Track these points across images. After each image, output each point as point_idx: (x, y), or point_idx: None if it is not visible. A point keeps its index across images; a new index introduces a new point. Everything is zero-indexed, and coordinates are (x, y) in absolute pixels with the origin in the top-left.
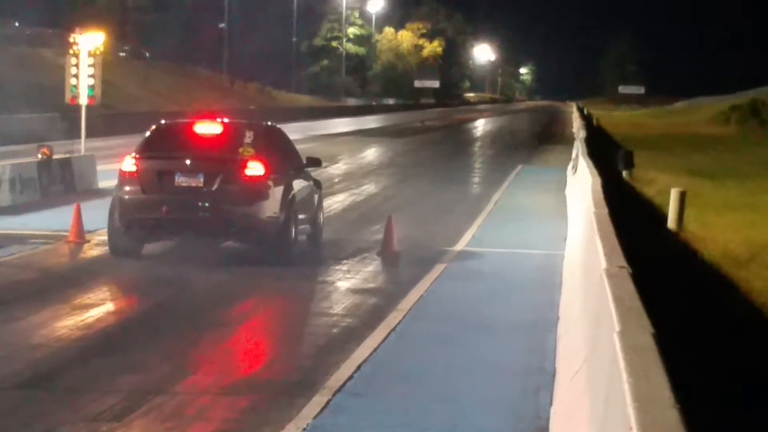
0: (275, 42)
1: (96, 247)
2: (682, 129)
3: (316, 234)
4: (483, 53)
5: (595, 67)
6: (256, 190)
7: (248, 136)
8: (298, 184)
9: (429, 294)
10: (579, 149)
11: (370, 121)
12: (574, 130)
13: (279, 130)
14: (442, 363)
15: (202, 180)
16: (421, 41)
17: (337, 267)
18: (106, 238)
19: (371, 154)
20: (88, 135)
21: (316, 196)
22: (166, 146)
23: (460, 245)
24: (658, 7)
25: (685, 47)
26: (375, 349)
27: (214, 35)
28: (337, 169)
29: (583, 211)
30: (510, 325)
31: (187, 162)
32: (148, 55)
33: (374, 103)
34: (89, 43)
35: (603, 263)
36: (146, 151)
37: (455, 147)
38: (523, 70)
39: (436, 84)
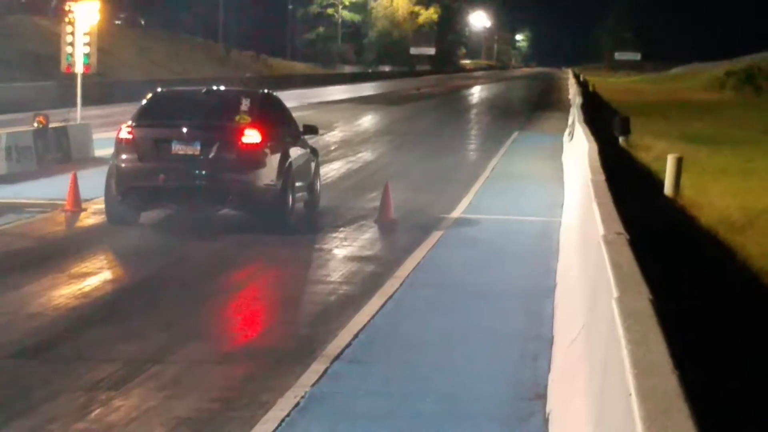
0: (271, 9)
1: (93, 215)
2: (678, 95)
3: (313, 201)
4: (479, 20)
5: (592, 33)
6: (253, 157)
7: (244, 104)
8: (295, 152)
9: (426, 261)
10: (575, 116)
11: (366, 89)
12: (570, 96)
13: (275, 97)
14: (439, 330)
15: (198, 148)
16: (416, 8)
17: (334, 234)
18: (103, 206)
19: (367, 121)
20: (84, 103)
21: (312, 164)
22: (162, 114)
23: (457, 212)
24: None
25: (681, 13)
26: (372, 317)
27: (209, 3)
28: (333, 136)
29: (580, 178)
30: (507, 292)
31: (184, 130)
32: (143, 23)
33: (370, 71)
34: (85, 11)
35: (600, 230)
36: (143, 119)
37: (451, 114)
38: (519, 37)
39: (431, 51)
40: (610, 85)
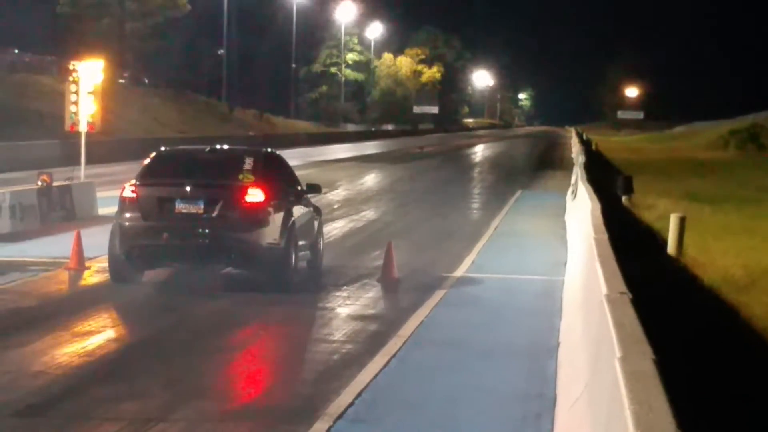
0: (274, 68)
1: (96, 274)
2: (681, 154)
3: (316, 260)
4: (481, 79)
5: (594, 92)
6: (256, 216)
7: (248, 163)
8: (298, 210)
9: (429, 320)
10: (578, 174)
11: (369, 147)
12: (573, 155)
13: (278, 156)
14: (442, 389)
15: (202, 206)
16: (419, 67)
17: (337, 293)
18: (106, 265)
19: (370, 180)
20: (88, 162)
21: (316, 222)
22: (166, 173)
23: (460, 271)
24: (656, 33)
25: (684, 73)
26: (375, 376)
27: (213, 62)
28: (337, 195)
29: (583, 237)
30: (510, 351)
31: (188, 188)
32: (147, 81)
33: (373, 129)
34: (88, 70)
35: (603, 289)
36: (146, 177)
37: (454, 173)
38: (521, 96)
39: (435, 110)
40: (613, 143)
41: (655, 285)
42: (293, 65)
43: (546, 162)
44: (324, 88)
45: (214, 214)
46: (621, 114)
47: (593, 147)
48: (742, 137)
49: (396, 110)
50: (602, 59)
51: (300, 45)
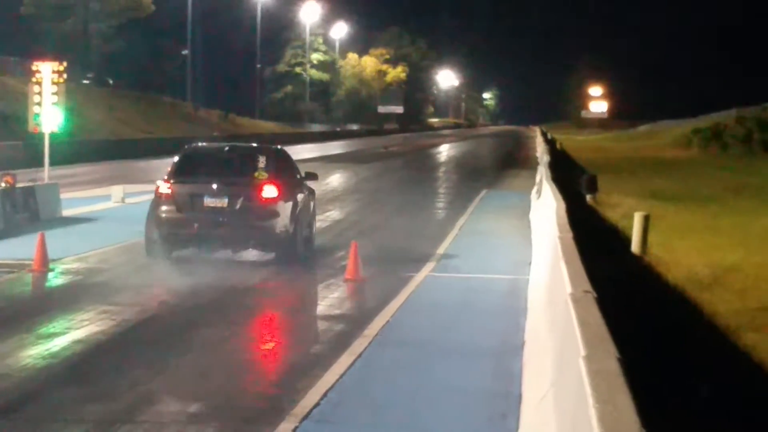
0: (239, 68)
1: (61, 275)
2: (644, 152)
3: (310, 237)
4: (446, 78)
5: (558, 92)
6: (271, 209)
7: (261, 161)
8: (301, 198)
9: (395, 320)
10: (543, 174)
11: (335, 147)
12: (538, 154)
13: (284, 151)
14: (408, 389)
15: (226, 201)
16: (384, 67)
17: (303, 294)
18: (70, 266)
19: (335, 180)
20: (52, 163)
21: (311, 204)
22: (193, 171)
23: (426, 271)
24: (619, 33)
25: (648, 72)
26: (341, 376)
27: (177, 62)
28: None
29: (548, 236)
30: (476, 350)
31: (214, 186)
32: (111, 82)
33: (338, 129)
34: (52, 71)
35: (568, 288)
36: (178, 176)
37: (419, 172)
38: (486, 95)
39: (399, 109)
40: (578, 143)
41: (619, 283)
42: (258, 65)
43: (511, 161)
44: (289, 88)
45: (237, 207)
46: (585, 113)
47: (558, 146)
48: (705, 136)
49: (361, 110)
50: (566, 59)
51: (265, 45)
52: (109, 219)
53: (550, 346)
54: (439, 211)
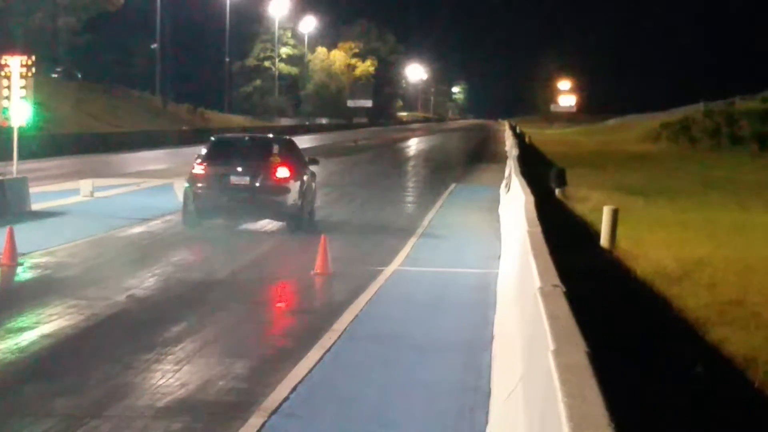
0: (208, 62)
1: (29, 270)
2: (613, 146)
3: (312, 210)
4: (415, 72)
5: (527, 85)
6: (284, 186)
7: (275, 149)
8: (306, 179)
9: (364, 314)
10: (512, 168)
11: (304, 141)
12: (507, 148)
13: (292, 141)
14: (377, 383)
15: (248, 180)
16: (353, 61)
17: (271, 287)
18: (39, 260)
19: None
20: (21, 157)
21: (313, 184)
22: (221, 155)
23: (395, 265)
24: (586, 26)
25: (616, 66)
26: (310, 370)
27: (146, 56)
28: None
29: (517, 230)
30: (445, 345)
31: (238, 168)
32: (80, 76)
33: (307, 123)
34: (20, 65)
35: (537, 282)
36: (209, 159)
37: (388, 166)
38: (455, 89)
39: (369, 103)
40: (547, 136)
41: (588, 277)
42: (227, 59)
43: (479, 155)
44: (258, 82)
45: (257, 184)
46: (554, 107)
47: (527, 140)
48: (674, 130)
49: (330, 104)
50: (535, 53)
51: (234, 39)
52: (78, 213)
53: (519, 340)
54: (409, 205)
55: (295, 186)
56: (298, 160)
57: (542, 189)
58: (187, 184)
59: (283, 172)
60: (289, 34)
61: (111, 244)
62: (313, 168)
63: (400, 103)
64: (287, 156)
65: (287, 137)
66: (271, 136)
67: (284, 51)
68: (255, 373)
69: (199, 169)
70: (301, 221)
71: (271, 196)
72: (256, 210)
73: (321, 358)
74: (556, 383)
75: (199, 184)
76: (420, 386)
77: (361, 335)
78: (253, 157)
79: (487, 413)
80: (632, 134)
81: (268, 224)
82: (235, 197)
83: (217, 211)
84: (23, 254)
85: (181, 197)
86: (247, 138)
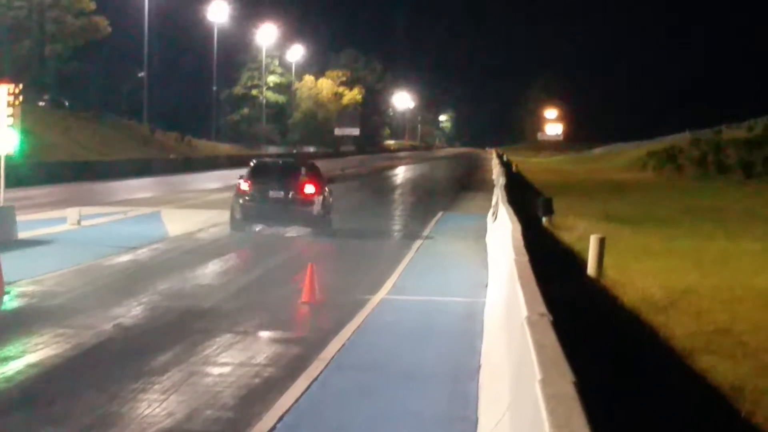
0: (195, 91)
1: (16, 298)
2: (600, 175)
3: (330, 218)
4: (402, 101)
5: (514, 114)
6: (311, 200)
7: (303, 170)
8: (326, 194)
9: (351, 343)
10: (499, 196)
11: None
12: (494, 176)
13: (316, 165)
14: (364, 413)
15: (282, 194)
16: (340, 89)
17: (259, 316)
18: (25, 289)
19: None
20: (8, 185)
21: (330, 198)
22: (261, 174)
23: (382, 293)
24: (573, 55)
25: (603, 95)
26: (297, 400)
27: (134, 84)
28: None
29: (504, 259)
30: (432, 374)
31: (275, 185)
32: (67, 104)
33: (294, 151)
34: (8, 93)
35: (524, 311)
36: (252, 177)
37: (376, 195)
38: (442, 117)
39: (356, 132)
40: (534, 165)
41: (575, 306)
42: (214, 87)
43: (467, 183)
44: (245, 110)
45: (290, 197)
46: (541, 135)
47: (514, 168)
48: (660, 158)
49: (317, 132)
50: (522, 81)
51: (221, 67)
52: (65, 241)
53: (507, 369)
54: (396, 233)
55: (318, 199)
56: (321, 180)
57: (529, 217)
58: (234, 197)
59: (309, 188)
60: (277, 63)
61: (98, 273)
62: (329, 186)
63: (387, 131)
64: (312, 176)
65: (311, 162)
66: (299, 161)
67: (271, 79)
68: (242, 403)
69: (244, 186)
70: (323, 226)
71: (301, 206)
72: (289, 217)
73: (308, 388)
74: (544, 413)
75: (246, 197)
76: (407, 415)
77: (349, 364)
78: (286, 176)
79: None
80: (619, 162)
81: (254, 253)
82: (273, 207)
83: (258, 218)
84: (10, 283)
85: (168, 226)
86: (281, 162)
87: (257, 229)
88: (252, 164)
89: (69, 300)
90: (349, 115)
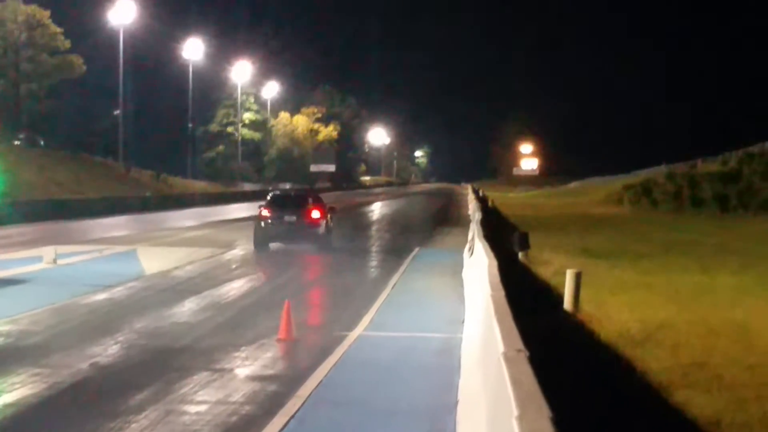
0: (171, 128)
1: None
2: (576, 209)
3: (331, 238)
4: (378, 137)
5: (490, 149)
6: (318, 223)
7: (310, 199)
8: (329, 218)
9: (328, 380)
10: (475, 231)
11: None
12: (470, 212)
13: (319, 195)
14: None
15: (294, 218)
16: (316, 126)
17: (236, 354)
18: (1, 329)
19: None
20: None
21: (331, 223)
22: (277, 202)
23: (359, 330)
24: (548, 90)
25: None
26: None
27: (109, 122)
28: (234, 254)
29: (481, 294)
30: (410, 410)
31: (288, 210)
32: (42, 143)
33: (270, 188)
34: None
35: (501, 346)
36: (270, 204)
37: (352, 231)
38: (418, 153)
39: (332, 168)
40: (509, 200)
41: (552, 341)
42: (190, 125)
43: (443, 219)
44: (221, 147)
45: (300, 221)
46: (516, 170)
47: (490, 203)
48: (635, 192)
49: (293, 169)
50: (497, 117)
51: (197, 104)
52: (41, 280)
53: (484, 405)
54: (372, 269)
55: (323, 222)
56: (324, 207)
57: (505, 252)
58: (256, 221)
59: (316, 214)
60: (252, 100)
61: (74, 312)
62: (331, 213)
63: (363, 167)
64: (317, 205)
65: (317, 193)
66: (306, 191)
67: (247, 116)
68: None
69: (264, 212)
70: (326, 243)
71: (309, 228)
72: (300, 237)
73: (285, 425)
74: None
75: (265, 221)
76: None
77: (326, 401)
78: (297, 205)
79: None
80: (595, 197)
81: (231, 290)
82: (287, 229)
83: (276, 238)
84: None
85: (144, 264)
86: (292, 193)
87: (274, 246)
88: (270, 196)
89: (45, 339)
90: (325, 151)
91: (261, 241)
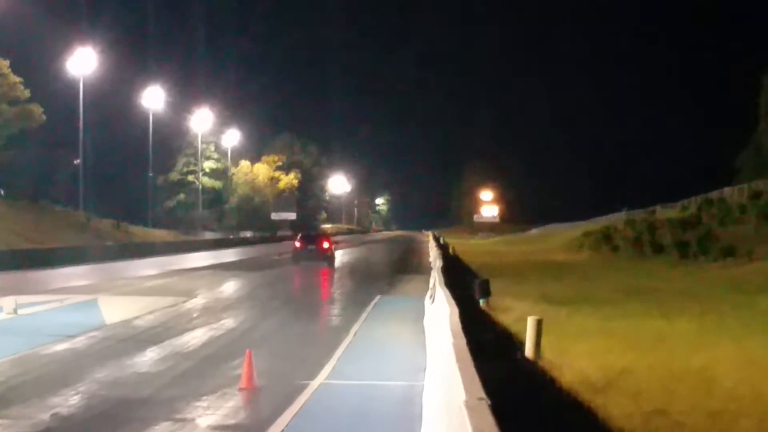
0: (131, 177)
1: None
2: (537, 256)
3: (334, 260)
4: (339, 184)
5: (450, 196)
6: (329, 250)
7: (322, 236)
8: (334, 247)
9: (290, 429)
10: (436, 279)
11: (228, 255)
12: (431, 259)
13: (328, 233)
14: None
15: (314, 247)
16: (277, 173)
17: (197, 403)
18: None
19: (229, 288)
20: None
21: (335, 249)
22: (304, 238)
23: (320, 378)
24: (508, 138)
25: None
26: None
27: (69, 171)
28: (195, 303)
29: (442, 342)
30: None
31: (311, 242)
32: (2, 192)
33: (231, 237)
34: None
35: (462, 395)
36: (300, 240)
37: (313, 279)
38: (379, 201)
39: (293, 216)
40: (471, 247)
41: (513, 389)
42: (150, 174)
43: (404, 266)
44: (182, 196)
45: (318, 249)
46: (477, 218)
47: (450, 251)
48: (595, 239)
49: (254, 217)
50: (457, 164)
51: (157, 153)
52: (1, 331)
53: None
54: (334, 317)
55: (331, 249)
56: (331, 240)
57: (467, 300)
58: (293, 248)
59: (326, 244)
60: (213, 148)
61: (35, 362)
62: (335, 244)
63: (324, 214)
64: (327, 239)
65: (327, 231)
66: (319, 229)
67: (208, 165)
68: None
69: (297, 243)
70: (332, 262)
71: (322, 253)
72: (318, 258)
73: None
74: None
75: (298, 249)
76: None
77: None
78: (315, 239)
79: None
80: (555, 243)
81: (192, 339)
82: (310, 253)
83: (303, 259)
84: None
85: (105, 313)
86: (312, 232)
87: (303, 264)
88: (300, 235)
89: (5, 390)
90: (286, 199)
91: (296, 259)
